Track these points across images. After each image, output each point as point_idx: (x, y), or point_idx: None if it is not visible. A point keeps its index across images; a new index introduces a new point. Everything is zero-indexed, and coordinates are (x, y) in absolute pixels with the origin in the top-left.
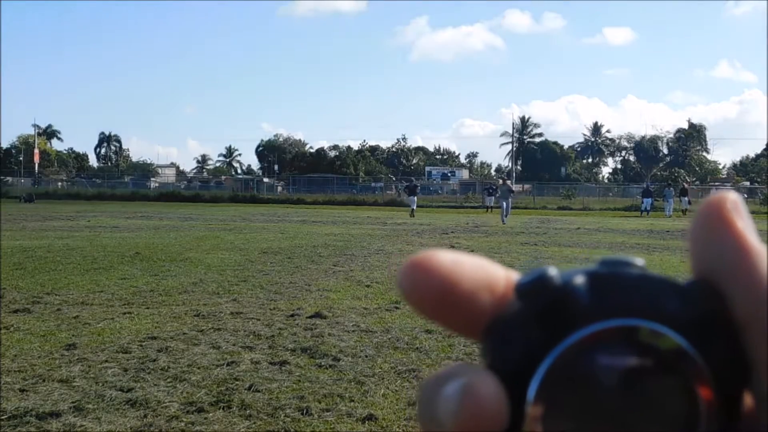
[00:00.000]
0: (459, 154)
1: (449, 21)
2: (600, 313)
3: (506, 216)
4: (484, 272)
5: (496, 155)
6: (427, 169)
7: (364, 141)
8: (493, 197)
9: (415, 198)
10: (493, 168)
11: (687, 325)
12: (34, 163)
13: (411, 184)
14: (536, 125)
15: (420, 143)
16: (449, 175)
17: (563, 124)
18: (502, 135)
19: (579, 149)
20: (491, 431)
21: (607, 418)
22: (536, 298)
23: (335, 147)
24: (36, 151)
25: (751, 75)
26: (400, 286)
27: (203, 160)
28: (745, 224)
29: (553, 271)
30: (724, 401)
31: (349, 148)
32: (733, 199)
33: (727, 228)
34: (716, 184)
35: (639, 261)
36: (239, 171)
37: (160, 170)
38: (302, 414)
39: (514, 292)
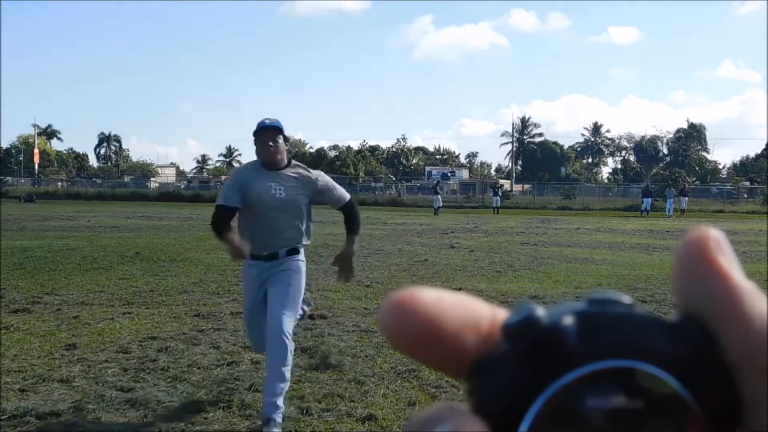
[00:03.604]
0: (459, 154)
1: (454, 20)
2: (590, 355)
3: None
4: (468, 311)
5: (496, 155)
6: (427, 169)
7: (364, 141)
8: (499, 197)
9: (440, 197)
10: (493, 168)
11: (678, 365)
12: (34, 163)
13: (435, 184)
14: (536, 125)
15: (420, 143)
16: (449, 175)
17: (563, 124)
18: (502, 135)
19: (579, 149)
20: None
21: None
22: (524, 339)
23: (335, 147)
24: (36, 151)
25: (754, 75)
26: (382, 327)
27: (203, 160)
28: (729, 262)
29: (540, 311)
30: None
31: (349, 148)
32: (714, 237)
33: (711, 267)
34: (716, 184)
35: (626, 299)
36: None
37: (160, 170)
38: (302, 414)
39: (500, 333)
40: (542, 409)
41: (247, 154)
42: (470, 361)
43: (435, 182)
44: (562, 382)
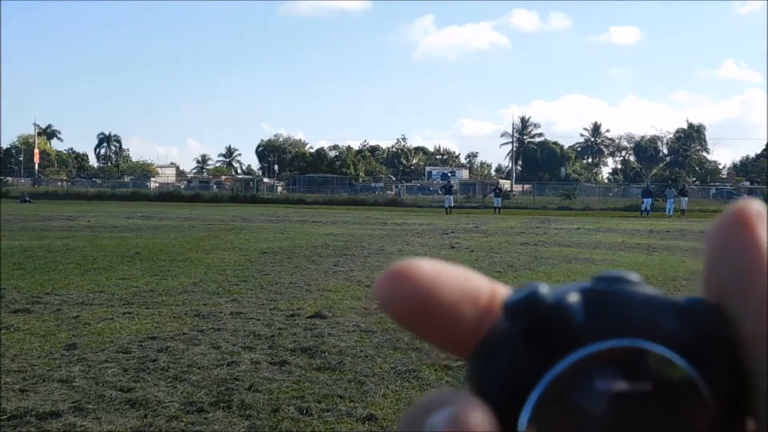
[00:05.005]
0: (459, 154)
1: (455, 20)
2: (596, 334)
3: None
4: (467, 283)
5: (496, 155)
6: (427, 169)
7: (365, 141)
8: (500, 198)
9: (451, 197)
10: (493, 168)
11: (688, 346)
12: (34, 163)
13: (447, 183)
14: (536, 125)
15: (420, 143)
16: (449, 175)
17: (563, 124)
18: (502, 135)
19: (579, 149)
20: None
21: None
22: (526, 319)
23: (335, 147)
24: (36, 151)
25: (754, 74)
26: (379, 298)
27: (203, 160)
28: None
29: (544, 289)
30: (726, 427)
31: (349, 148)
32: (757, 210)
33: (746, 240)
34: (716, 184)
35: (634, 276)
36: (239, 171)
37: (160, 170)
38: (302, 414)
39: (502, 312)
40: (546, 391)
41: (247, 153)
42: (467, 334)
43: (447, 182)
44: (566, 363)
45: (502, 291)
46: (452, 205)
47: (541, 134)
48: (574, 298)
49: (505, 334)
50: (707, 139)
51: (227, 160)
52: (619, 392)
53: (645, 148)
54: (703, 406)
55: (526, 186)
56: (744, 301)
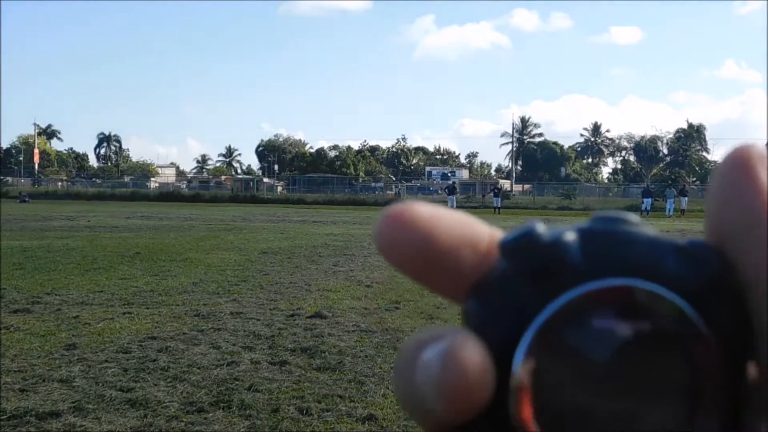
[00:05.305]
0: (459, 154)
1: (455, 19)
2: (593, 273)
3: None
4: (466, 228)
5: (496, 155)
6: (427, 169)
7: (365, 141)
8: (499, 198)
9: (455, 197)
10: (493, 168)
11: (687, 287)
12: (34, 163)
13: (451, 184)
14: (536, 125)
15: (420, 143)
16: (449, 175)
17: (563, 124)
18: (502, 135)
19: (579, 149)
20: (475, 403)
21: (601, 388)
22: (522, 257)
23: (335, 147)
24: (36, 151)
25: (755, 75)
26: (376, 241)
27: (203, 160)
28: None
29: (540, 228)
30: (727, 371)
31: (349, 148)
32: (759, 151)
33: (749, 181)
34: None
35: (633, 217)
36: (239, 171)
37: (160, 170)
38: (302, 414)
39: (498, 251)
40: (541, 331)
41: (247, 153)
42: (466, 280)
43: (452, 183)
44: (561, 302)
45: (501, 236)
46: (455, 205)
47: (541, 134)
48: (571, 237)
49: (500, 273)
50: (707, 139)
51: (227, 160)
52: (615, 332)
53: (645, 148)
54: (703, 346)
55: (526, 186)
56: (744, 243)
